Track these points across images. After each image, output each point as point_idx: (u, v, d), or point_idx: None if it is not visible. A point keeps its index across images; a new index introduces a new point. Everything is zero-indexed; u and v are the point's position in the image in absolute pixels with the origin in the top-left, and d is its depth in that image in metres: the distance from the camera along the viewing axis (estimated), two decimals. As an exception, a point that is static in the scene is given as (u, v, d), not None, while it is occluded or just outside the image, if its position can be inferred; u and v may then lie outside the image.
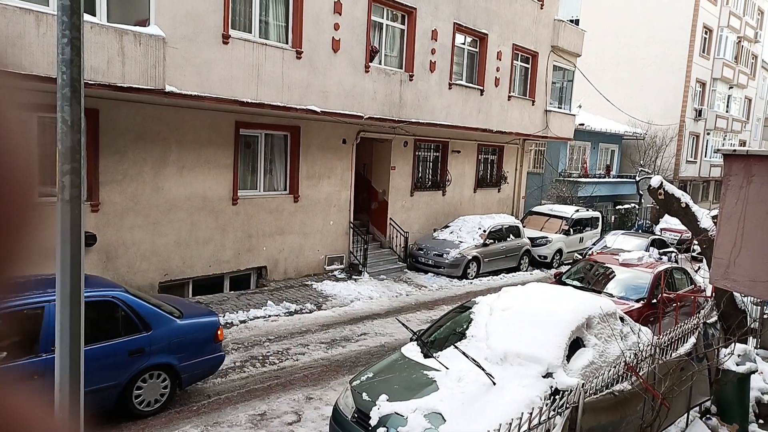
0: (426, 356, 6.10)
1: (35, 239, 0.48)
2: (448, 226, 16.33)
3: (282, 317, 10.64)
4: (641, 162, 27.98)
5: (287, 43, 11.41)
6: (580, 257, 14.67)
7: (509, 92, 17.77)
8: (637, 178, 23.49)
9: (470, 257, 15.06)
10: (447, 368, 5.69)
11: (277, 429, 6.50)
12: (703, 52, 32.37)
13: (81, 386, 3.05)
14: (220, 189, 11.59)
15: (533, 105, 18.98)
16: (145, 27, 8.85)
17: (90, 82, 7.90)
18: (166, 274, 10.89)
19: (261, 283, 12.71)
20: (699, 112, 32.54)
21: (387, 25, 13.90)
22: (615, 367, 5.46)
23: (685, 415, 6.84)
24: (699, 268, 11.62)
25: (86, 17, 6.90)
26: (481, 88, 16.62)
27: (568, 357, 5.87)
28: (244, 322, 10.15)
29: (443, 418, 4.98)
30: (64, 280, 2.96)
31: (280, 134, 12.89)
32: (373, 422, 5.18)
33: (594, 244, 15.02)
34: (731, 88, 36.15)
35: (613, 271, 10.85)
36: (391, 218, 15.75)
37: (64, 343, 2.97)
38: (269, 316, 10.60)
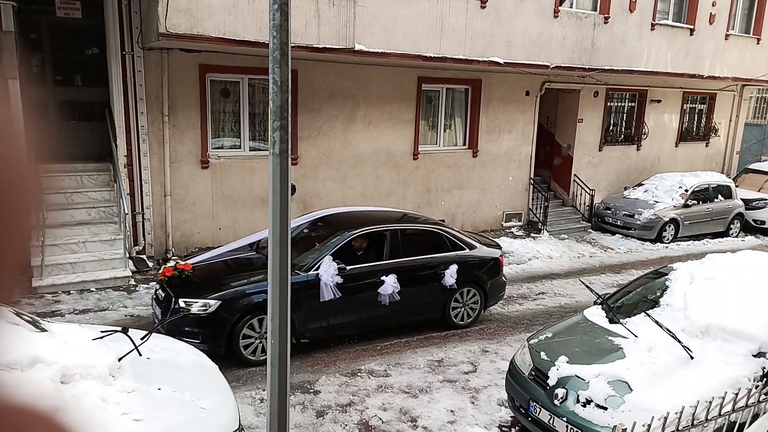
0: (611, 321, 5.75)
1: (24, 251, 0.45)
2: (642, 184, 14.88)
3: (459, 270, 10.83)
4: None
5: (472, -8, 11.11)
6: None
7: (727, 30, 15.23)
8: None
9: (667, 219, 13.61)
10: (636, 336, 5.31)
11: (454, 376, 6.74)
12: None
13: (287, 321, 3.45)
14: (402, 144, 11.97)
15: (758, 44, 16.06)
16: (337, -12, 9.31)
17: (292, 44, 8.61)
18: (353, 224, 11.72)
19: (439, 236, 13.01)
20: None
21: (580, -37, 12.73)
22: None
23: None
24: None
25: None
26: (692, 27, 14.49)
27: (789, 338, 5.07)
28: (423, 272, 10.55)
29: (629, 387, 4.70)
30: (275, 224, 3.35)
31: (461, 88, 12.79)
32: (551, 382, 5.09)
33: None
34: None
35: None
36: (575, 174, 14.85)
37: (274, 281, 3.38)
38: (447, 268, 10.85)
